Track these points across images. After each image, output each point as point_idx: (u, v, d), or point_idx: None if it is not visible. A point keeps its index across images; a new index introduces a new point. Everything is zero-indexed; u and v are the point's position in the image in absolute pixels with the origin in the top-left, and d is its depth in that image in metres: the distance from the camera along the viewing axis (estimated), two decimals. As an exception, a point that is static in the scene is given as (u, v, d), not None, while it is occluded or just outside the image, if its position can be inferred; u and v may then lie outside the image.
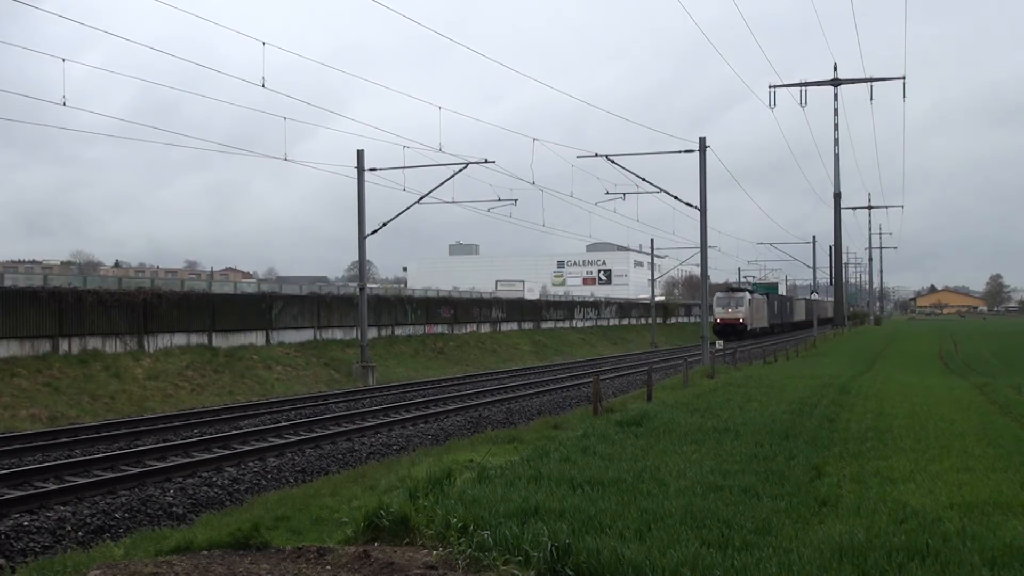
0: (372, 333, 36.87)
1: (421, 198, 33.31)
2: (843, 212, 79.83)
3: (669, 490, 8.28)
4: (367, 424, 18.83)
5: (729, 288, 71.67)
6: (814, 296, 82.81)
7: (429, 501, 7.70)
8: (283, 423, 18.82)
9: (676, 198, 35.11)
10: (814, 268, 76.53)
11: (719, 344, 42.04)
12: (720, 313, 66.09)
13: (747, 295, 67.85)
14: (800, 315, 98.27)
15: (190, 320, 29.23)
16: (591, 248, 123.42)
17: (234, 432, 17.38)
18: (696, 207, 34.05)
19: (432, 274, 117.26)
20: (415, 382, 30.67)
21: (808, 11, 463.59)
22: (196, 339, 29.46)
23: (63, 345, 24.85)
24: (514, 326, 53.86)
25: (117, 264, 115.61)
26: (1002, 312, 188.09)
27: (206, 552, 6.95)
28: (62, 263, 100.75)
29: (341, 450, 16.23)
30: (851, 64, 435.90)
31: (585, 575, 5.87)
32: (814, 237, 74.95)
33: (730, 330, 64.90)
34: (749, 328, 67.05)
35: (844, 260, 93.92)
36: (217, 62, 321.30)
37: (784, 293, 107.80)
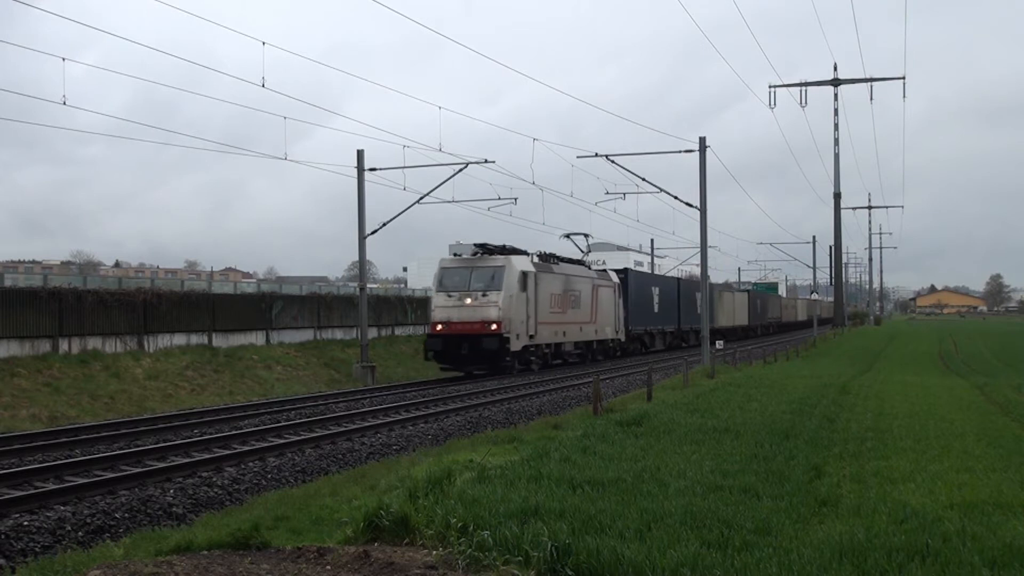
0: (372, 333, 36.88)
1: (421, 198, 33.33)
2: (843, 212, 79.43)
3: (669, 490, 8.27)
4: (367, 424, 18.82)
5: (482, 249, 31.23)
6: (813, 296, 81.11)
7: (429, 501, 7.70)
8: (283, 423, 18.81)
9: (676, 198, 35.06)
10: (814, 268, 76.44)
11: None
12: (443, 310, 29.63)
13: (514, 267, 29.74)
14: (737, 317, 60.11)
15: (190, 320, 29.24)
16: (591, 248, 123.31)
17: (234, 432, 17.37)
18: (696, 207, 34.06)
19: (432, 274, 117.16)
20: (415, 382, 30.66)
21: (808, 11, 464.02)
22: (196, 339, 29.46)
23: (63, 345, 24.84)
24: (514, 326, 53.75)
25: (117, 264, 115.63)
26: (1002, 312, 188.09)
27: (206, 552, 6.95)
28: (62, 263, 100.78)
29: (341, 450, 16.21)
30: (851, 64, 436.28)
31: (585, 575, 5.87)
32: (814, 237, 74.82)
33: (465, 346, 28.94)
34: (516, 342, 29.42)
35: (844, 260, 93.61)
36: (216, 62, 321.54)
37: (784, 293, 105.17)
